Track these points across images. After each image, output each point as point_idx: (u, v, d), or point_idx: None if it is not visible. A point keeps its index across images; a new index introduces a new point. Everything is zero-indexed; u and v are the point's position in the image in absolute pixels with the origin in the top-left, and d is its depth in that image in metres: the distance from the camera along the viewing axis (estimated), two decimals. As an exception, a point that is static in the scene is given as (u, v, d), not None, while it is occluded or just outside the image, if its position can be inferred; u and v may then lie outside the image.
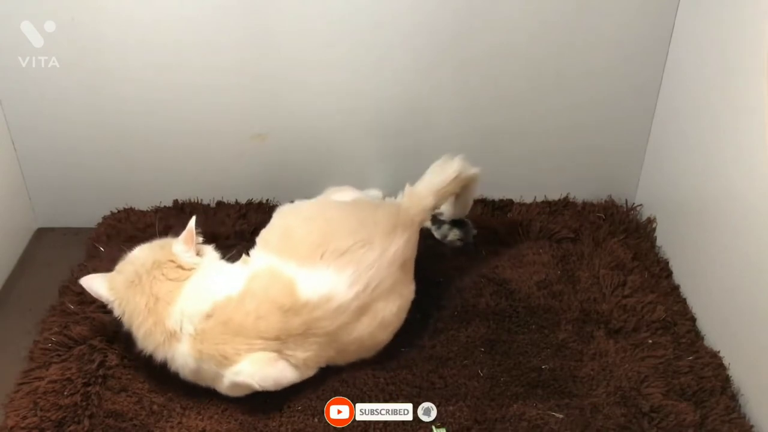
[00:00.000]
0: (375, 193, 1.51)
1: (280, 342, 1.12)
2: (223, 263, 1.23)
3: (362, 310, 1.17)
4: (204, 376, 1.14)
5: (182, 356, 1.13)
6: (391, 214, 1.26)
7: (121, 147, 1.54)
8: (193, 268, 1.18)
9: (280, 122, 1.53)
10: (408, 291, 1.25)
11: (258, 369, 1.11)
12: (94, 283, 1.18)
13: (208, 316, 1.12)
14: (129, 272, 1.17)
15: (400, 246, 1.22)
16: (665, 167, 1.51)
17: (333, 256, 1.16)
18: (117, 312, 1.17)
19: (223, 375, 1.12)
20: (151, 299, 1.14)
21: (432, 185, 1.32)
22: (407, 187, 1.33)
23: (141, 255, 1.20)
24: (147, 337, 1.14)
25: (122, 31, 1.40)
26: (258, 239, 1.26)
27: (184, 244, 1.19)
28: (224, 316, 1.12)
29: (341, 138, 1.56)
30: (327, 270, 1.15)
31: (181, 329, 1.12)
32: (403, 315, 1.24)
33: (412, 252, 1.27)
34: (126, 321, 1.16)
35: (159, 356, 1.15)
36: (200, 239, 1.23)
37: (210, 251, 1.24)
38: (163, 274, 1.16)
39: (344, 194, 1.38)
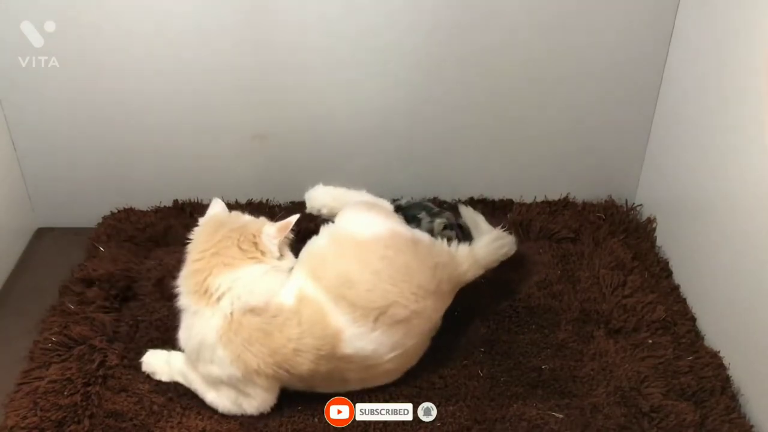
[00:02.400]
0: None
1: (301, 379, 1.12)
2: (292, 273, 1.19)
3: (390, 363, 1.16)
4: (195, 355, 1.13)
5: (202, 324, 1.11)
6: (451, 276, 1.22)
7: (121, 147, 1.54)
8: (264, 254, 1.16)
9: (280, 122, 1.53)
10: (430, 340, 1.24)
11: (229, 404, 1.13)
12: (214, 205, 1.25)
13: (252, 310, 1.10)
14: (222, 219, 1.21)
15: (444, 309, 1.23)
16: (665, 167, 1.51)
17: (387, 321, 1.12)
18: (192, 235, 1.20)
19: (207, 372, 1.11)
20: (211, 250, 1.14)
21: (489, 259, 1.31)
22: (467, 248, 1.29)
23: (242, 217, 1.22)
24: (186, 278, 1.15)
25: (122, 31, 1.40)
26: (302, 262, 1.18)
27: (276, 230, 1.17)
28: (270, 327, 1.09)
29: (341, 138, 1.56)
30: (376, 333, 1.11)
31: (218, 298, 1.11)
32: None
33: None
34: (188, 248, 1.18)
35: (181, 303, 1.15)
36: (291, 236, 1.21)
37: (290, 256, 1.20)
38: (238, 240, 1.15)
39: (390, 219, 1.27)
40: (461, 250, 1.28)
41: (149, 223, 1.55)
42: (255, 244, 1.16)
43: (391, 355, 1.14)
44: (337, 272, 1.14)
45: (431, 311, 1.18)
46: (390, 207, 1.35)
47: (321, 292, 1.12)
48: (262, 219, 1.22)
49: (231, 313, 1.09)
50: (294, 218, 1.20)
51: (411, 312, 1.14)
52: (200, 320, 1.11)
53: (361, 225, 1.21)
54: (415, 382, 1.20)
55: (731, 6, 1.24)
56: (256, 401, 1.13)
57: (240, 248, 1.15)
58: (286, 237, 1.19)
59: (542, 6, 1.41)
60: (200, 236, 1.18)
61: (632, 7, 1.41)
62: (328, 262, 1.16)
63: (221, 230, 1.17)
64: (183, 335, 1.15)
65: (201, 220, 1.22)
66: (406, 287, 1.14)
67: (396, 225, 1.23)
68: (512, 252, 1.36)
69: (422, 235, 1.25)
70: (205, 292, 1.11)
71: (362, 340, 1.11)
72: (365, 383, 1.17)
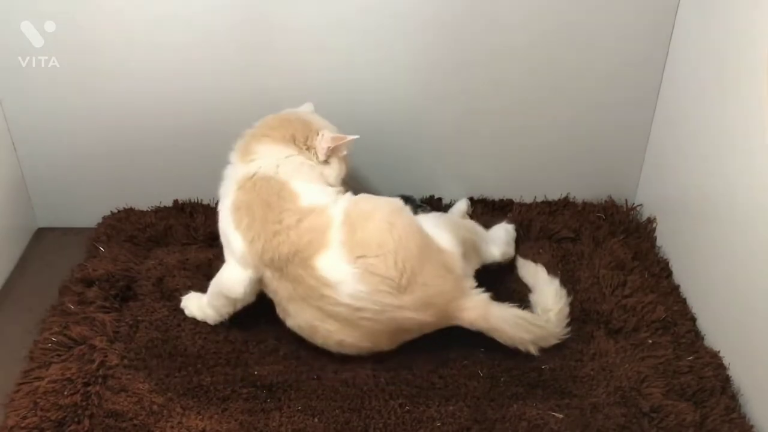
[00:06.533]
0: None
1: (264, 262, 1.20)
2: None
3: (339, 310, 1.16)
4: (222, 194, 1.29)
5: (234, 173, 1.28)
6: (447, 300, 1.20)
7: (121, 147, 1.54)
8: (308, 150, 1.29)
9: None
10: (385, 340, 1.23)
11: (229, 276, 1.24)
12: (305, 106, 1.39)
13: (268, 180, 1.23)
14: (301, 113, 1.36)
15: (413, 330, 1.21)
16: (665, 167, 1.51)
17: (365, 267, 1.15)
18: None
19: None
20: (272, 124, 1.32)
21: (502, 328, 1.21)
22: (486, 296, 1.22)
23: (318, 118, 1.35)
24: (240, 140, 1.32)
25: (122, 31, 1.40)
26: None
27: (331, 138, 1.29)
28: (273, 201, 1.21)
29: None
30: (350, 269, 1.16)
31: (251, 160, 1.27)
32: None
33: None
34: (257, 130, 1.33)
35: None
36: (345, 151, 1.32)
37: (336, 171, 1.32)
38: (297, 128, 1.30)
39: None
40: (483, 295, 1.22)
41: (149, 223, 1.55)
42: (307, 138, 1.29)
43: (346, 301, 1.15)
44: (360, 202, 1.25)
45: (406, 300, 1.16)
46: None
47: (339, 210, 1.21)
48: (328, 125, 1.33)
49: (253, 175, 1.24)
50: (353, 137, 1.30)
51: (387, 276, 1.15)
52: (233, 170, 1.29)
53: (396, 200, 1.28)
54: (415, 382, 1.20)
55: (731, 6, 1.24)
56: (232, 277, 1.23)
57: (293, 135, 1.29)
58: (344, 155, 1.32)
59: (542, 7, 1.41)
60: (275, 116, 1.34)
61: (632, 7, 1.41)
62: (359, 198, 1.27)
63: (292, 116, 1.33)
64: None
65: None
66: (400, 256, 1.16)
67: (425, 223, 1.26)
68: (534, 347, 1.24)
69: (448, 251, 1.23)
70: (246, 152, 1.28)
71: (337, 265, 1.16)
72: (311, 320, 1.20)
